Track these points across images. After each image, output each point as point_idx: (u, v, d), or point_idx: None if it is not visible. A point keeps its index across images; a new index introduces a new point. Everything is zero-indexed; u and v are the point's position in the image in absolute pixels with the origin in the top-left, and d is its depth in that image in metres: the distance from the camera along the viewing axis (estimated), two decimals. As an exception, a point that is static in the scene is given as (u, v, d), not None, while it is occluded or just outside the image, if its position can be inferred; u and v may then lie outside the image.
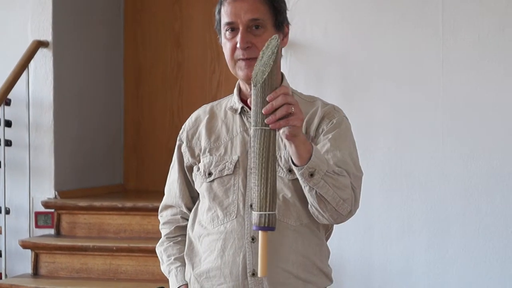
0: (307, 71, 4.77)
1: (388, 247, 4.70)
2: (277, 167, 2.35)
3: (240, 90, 2.52)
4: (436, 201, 4.63)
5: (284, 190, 2.38)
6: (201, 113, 2.59)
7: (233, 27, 2.39)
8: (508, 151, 4.52)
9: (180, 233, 2.63)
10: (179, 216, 2.63)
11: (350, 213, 2.33)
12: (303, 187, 2.27)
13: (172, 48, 6.35)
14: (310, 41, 4.77)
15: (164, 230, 2.66)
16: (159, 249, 2.65)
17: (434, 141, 4.63)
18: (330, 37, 4.81)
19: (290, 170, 2.36)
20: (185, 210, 2.61)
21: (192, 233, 2.52)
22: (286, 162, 2.38)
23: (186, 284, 2.52)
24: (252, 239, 2.37)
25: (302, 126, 2.20)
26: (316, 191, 2.25)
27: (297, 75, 4.69)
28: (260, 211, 2.11)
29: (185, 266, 2.55)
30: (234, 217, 2.40)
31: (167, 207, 2.67)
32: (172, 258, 2.59)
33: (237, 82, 2.54)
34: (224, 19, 2.40)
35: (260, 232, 2.11)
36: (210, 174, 2.46)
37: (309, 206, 2.33)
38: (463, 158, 4.58)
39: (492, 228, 4.54)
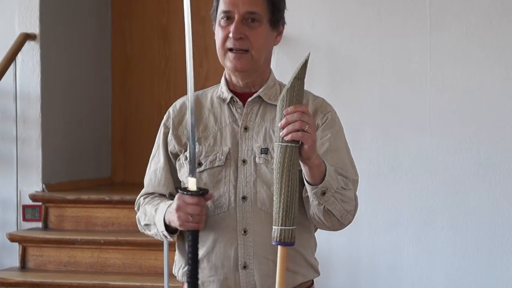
0: (295, 64, 4.74)
1: (375, 240, 4.71)
2: (270, 159, 2.36)
3: (227, 80, 2.49)
4: (423, 194, 4.64)
5: None
6: (186, 101, 2.51)
7: (228, 16, 2.38)
8: (495, 144, 4.55)
9: (163, 197, 2.52)
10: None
11: (350, 222, 2.40)
12: (310, 200, 2.28)
13: (159, 41, 6.35)
14: (298, 34, 4.77)
15: (144, 201, 2.52)
16: (142, 209, 2.50)
17: (421, 134, 4.65)
18: (318, 30, 4.81)
19: None
20: (167, 197, 2.52)
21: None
22: None
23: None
24: (244, 231, 2.36)
25: (315, 149, 2.19)
26: (324, 206, 2.28)
27: (285, 68, 4.68)
28: (275, 225, 2.14)
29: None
30: (226, 209, 2.38)
31: (145, 194, 2.56)
32: (159, 201, 2.46)
33: (224, 72, 2.51)
34: (221, 6, 2.40)
35: (278, 247, 2.15)
36: (199, 164, 2.42)
37: (310, 213, 2.33)
38: (450, 151, 4.60)
39: (479, 221, 4.56)
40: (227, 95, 2.46)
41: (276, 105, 2.38)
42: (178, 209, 2.30)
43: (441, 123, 4.62)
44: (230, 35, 2.37)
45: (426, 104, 4.64)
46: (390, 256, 4.69)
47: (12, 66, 5.37)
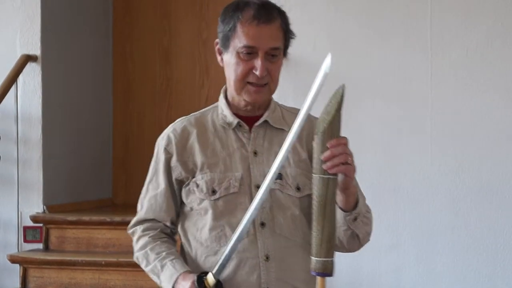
0: (296, 86, 4.78)
1: (377, 261, 4.70)
2: (285, 184, 2.37)
3: (229, 102, 2.47)
4: (425, 215, 4.63)
5: (292, 208, 2.38)
6: (187, 124, 2.50)
7: (252, 51, 2.35)
8: (496, 165, 4.54)
9: (166, 236, 2.51)
10: (162, 226, 2.52)
11: (366, 243, 2.43)
12: (339, 224, 2.29)
13: (161, 62, 6.35)
14: (298, 56, 4.77)
15: (144, 237, 2.51)
16: (143, 250, 2.49)
17: (422, 155, 4.64)
18: (319, 52, 4.81)
19: (298, 188, 2.38)
20: (169, 225, 2.50)
21: (192, 252, 2.45)
22: (294, 179, 2.39)
23: (189, 271, 2.37)
24: (267, 257, 2.35)
25: (354, 178, 2.23)
26: (353, 231, 2.32)
27: (286, 90, 4.68)
28: (316, 257, 2.14)
29: (180, 259, 2.43)
30: (246, 236, 2.34)
31: (144, 221, 2.53)
32: (164, 253, 2.44)
33: (223, 91, 2.49)
34: (242, 40, 2.35)
35: (317, 277, 2.15)
36: (214, 191, 2.39)
37: None
38: (452, 173, 4.59)
39: (481, 242, 4.55)
40: (233, 119, 2.45)
41: (281, 129, 2.43)
42: None
43: (442, 144, 4.62)
44: (256, 71, 2.35)
45: (427, 125, 4.64)
46: (392, 277, 4.68)
47: (13, 88, 5.37)
